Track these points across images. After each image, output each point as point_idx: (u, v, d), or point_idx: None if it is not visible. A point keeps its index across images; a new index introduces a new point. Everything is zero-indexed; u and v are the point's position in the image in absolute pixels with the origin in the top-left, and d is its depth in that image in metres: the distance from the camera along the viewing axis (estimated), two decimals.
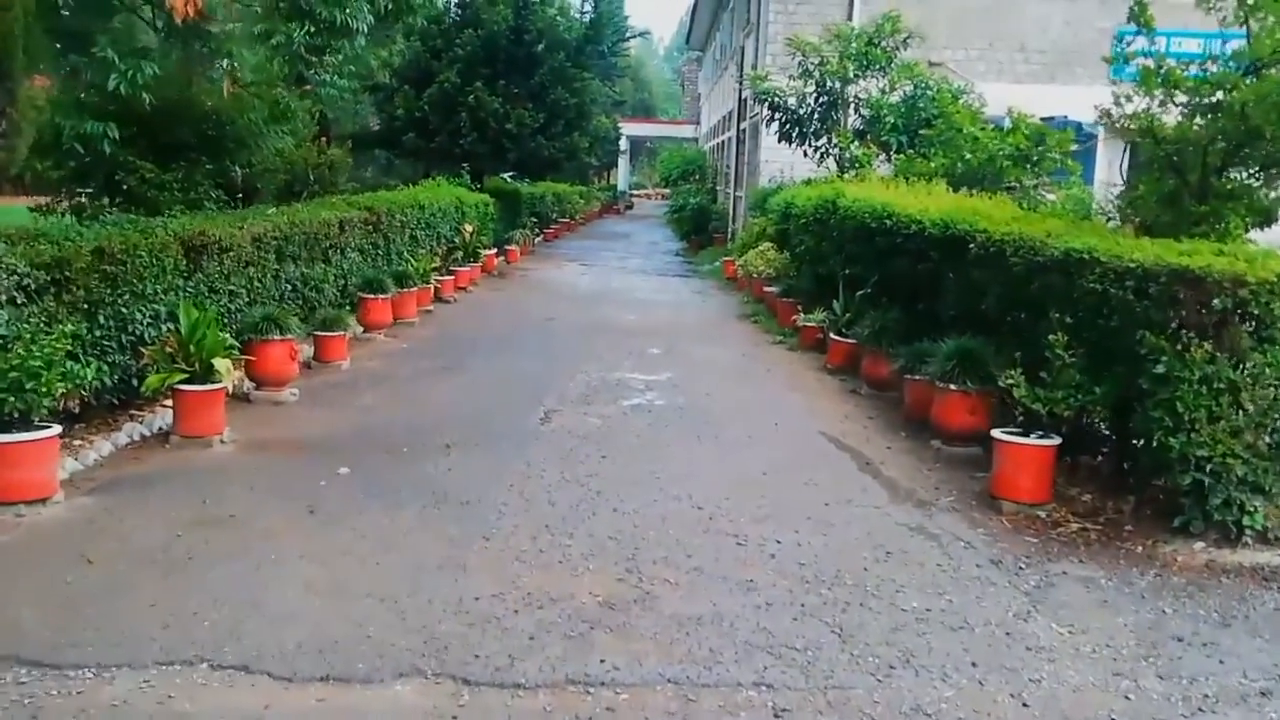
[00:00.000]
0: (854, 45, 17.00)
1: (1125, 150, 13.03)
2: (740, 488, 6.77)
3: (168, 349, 7.28)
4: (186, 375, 7.21)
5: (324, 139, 20.32)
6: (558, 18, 22.92)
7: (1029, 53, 21.40)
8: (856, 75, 16.93)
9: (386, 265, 13.84)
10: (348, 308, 12.37)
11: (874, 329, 9.86)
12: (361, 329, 12.15)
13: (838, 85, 17.14)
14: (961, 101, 15.56)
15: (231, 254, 8.97)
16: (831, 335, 11.15)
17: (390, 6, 11.10)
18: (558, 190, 33.25)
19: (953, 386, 7.70)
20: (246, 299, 9.33)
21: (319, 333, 10.25)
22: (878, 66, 16.87)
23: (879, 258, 10.53)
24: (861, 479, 7.13)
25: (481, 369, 10.70)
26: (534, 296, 17.22)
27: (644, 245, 29.44)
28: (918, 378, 8.57)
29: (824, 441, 8.17)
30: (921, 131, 14.50)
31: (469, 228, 18.07)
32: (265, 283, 9.76)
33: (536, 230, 27.92)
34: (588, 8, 25.81)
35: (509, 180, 27.10)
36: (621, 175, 57.68)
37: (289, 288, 10.41)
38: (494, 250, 20.18)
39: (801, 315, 12.32)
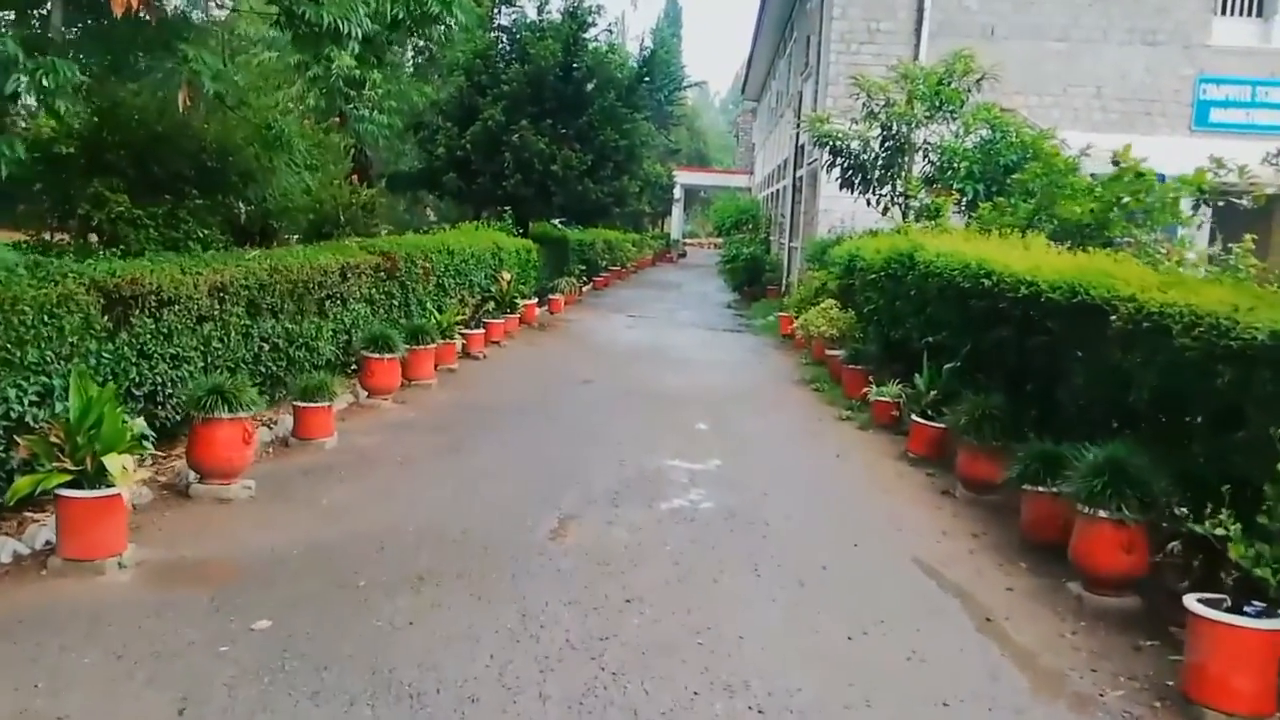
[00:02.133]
0: (923, 85, 14.87)
1: (1210, 207, 10.91)
2: (820, 667, 4.54)
3: (53, 438, 5.25)
4: (71, 476, 5.17)
5: (356, 177, 18.57)
6: (609, 55, 20.99)
7: (1106, 100, 19.09)
8: (927, 118, 14.78)
9: (405, 318, 11.84)
10: (351, 368, 10.38)
11: (972, 416, 7.58)
12: (365, 393, 10.12)
13: (905, 129, 15.00)
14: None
15: (178, 308, 6.97)
16: (913, 416, 8.88)
17: (401, 16, 9.03)
18: (609, 237, 31.34)
19: (1102, 513, 5.41)
20: (201, 364, 7.33)
21: (299, 403, 8.21)
22: (950, 109, 14.72)
23: (972, 324, 8.31)
24: (986, 651, 4.84)
25: (494, 450, 8.57)
26: (573, 352, 15.11)
27: (695, 296, 27.30)
28: (1041, 491, 6.31)
29: (922, 576, 5.90)
30: (1014, 177, 12.22)
31: (506, 276, 16.08)
32: (229, 343, 7.77)
33: (585, 278, 25.97)
34: (644, 50, 23.80)
35: (558, 226, 25.22)
36: (675, 223, 55.76)
37: (265, 348, 8.40)
38: (534, 300, 18.16)
39: (873, 388, 10.06)
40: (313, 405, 8.21)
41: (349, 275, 10.11)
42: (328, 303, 9.70)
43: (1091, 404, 6.52)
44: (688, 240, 59.05)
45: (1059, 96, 18.69)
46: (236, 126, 10.71)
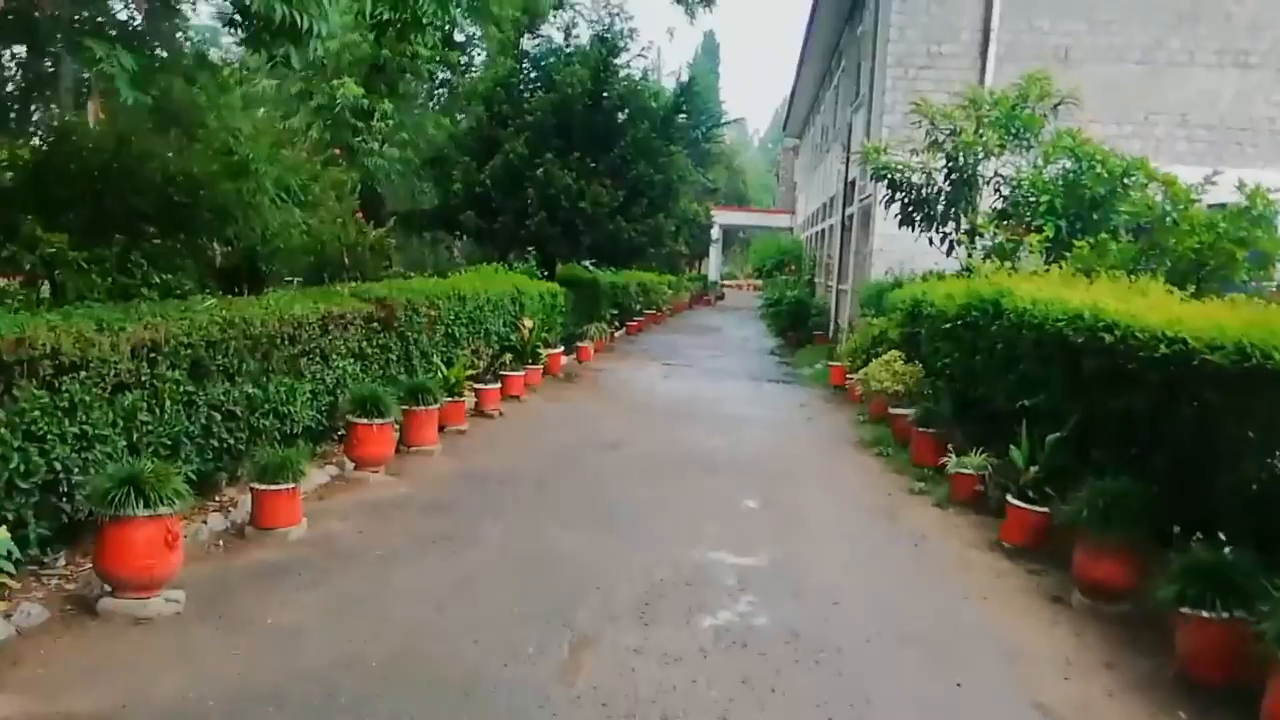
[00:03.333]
0: (995, 111, 13.49)
1: None
2: None
3: None
4: None
5: (363, 215, 17.40)
6: (643, 82, 19.75)
7: (1192, 128, 17.58)
8: (999, 147, 13.36)
9: (407, 373, 10.50)
10: (340, 434, 9.04)
11: (1095, 504, 6.07)
12: (352, 465, 8.76)
13: (972, 159, 13.58)
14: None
15: (85, 374, 5.64)
16: (1008, 497, 7.34)
17: (388, 18, 7.79)
18: (643, 280, 30.06)
19: None
20: (124, 443, 5.99)
21: (257, 486, 6.84)
22: (1026, 137, 13.34)
23: (1085, 388, 6.85)
24: None
25: (497, 538, 7.13)
26: (602, 408, 13.69)
27: (736, 341, 25.85)
28: (1209, 617, 4.80)
29: None
30: (1122, 211, 10.72)
31: (528, 323, 14.74)
32: (164, 415, 6.42)
33: (618, 323, 24.64)
34: (680, 80, 22.55)
35: (589, 268, 23.96)
36: (713, 265, 54.48)
37: (217, 417, 7.04)
38: (560, 349, 16.79)
39: (952, 457, 8.53)
40: (273, 488, 6.84)
41: (332, 327, 8.78)
42: (304, 360, 8.36)
43: (1274, 501, 4.99)
44: (726, 282, 57.76)
45: (1140, 125, 17.22)
46: (205, 155, 9.52)
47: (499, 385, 12.86)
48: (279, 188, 11.67)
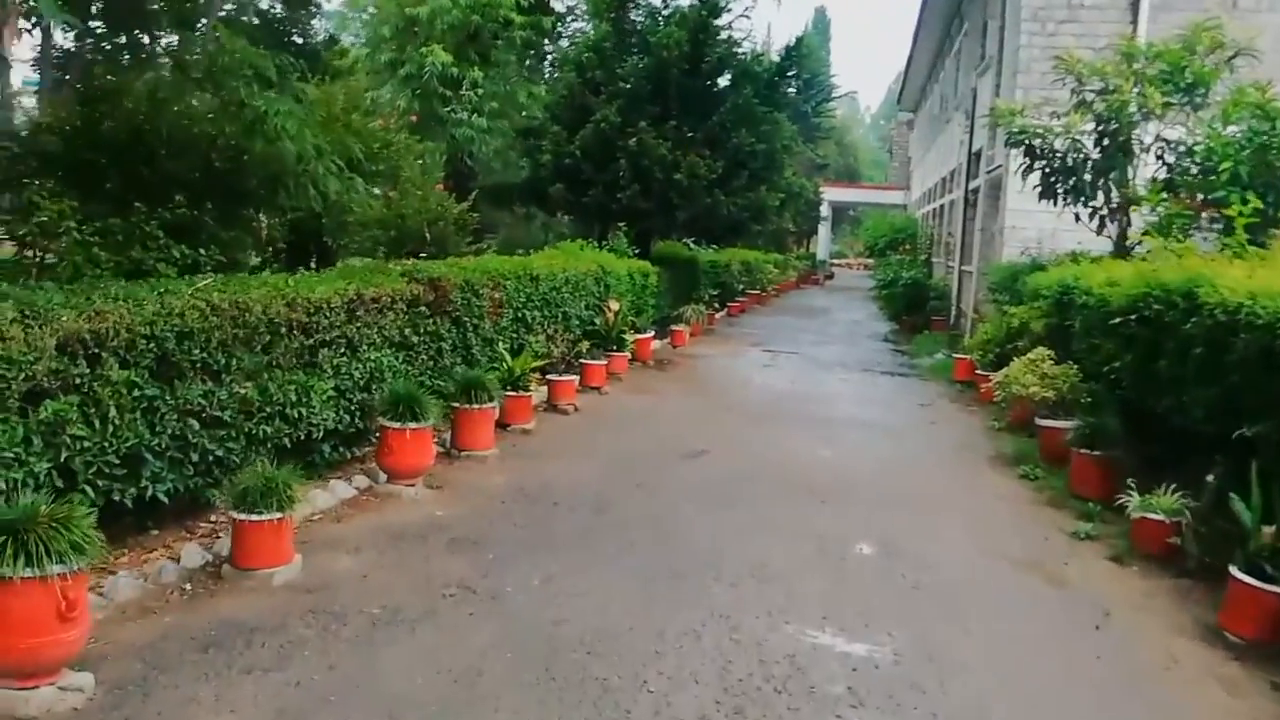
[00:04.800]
0: (1158, 65, 11.16)
1: None
2: None
3: None
4: None
5: (451, 188, 15.91)
6: (744, 42, 17.71)
7: None
8: (1164, 106, 11.01)
9: (464, 364, 8.89)
10: (375, 438, 7.47)
11: None
12: (385, 476, 7.17)
13: (1129, 120, 11.26)
14: None
15: None
16: (1234, 569, 5.22)
17: None
18: (747, 258, 28.06)
19: None
20: (43, 465, 4.44)
21: (236, 515, 5.26)
22: (1197, 95, 10.97)
23: None
24: None
25: (525, 604, 5.35)
26: (690, 403, 11.88)
27: (845, 325, 23.65)
28: None
29: None
30: None
31: (614, 306, 13.02)
32: (111, 427, 4.85)
33: (718, 304, 22.74)
34: (790, 43, 20.37)
35: (690, 246, 22.13)
36: (822, 243, 51.87)
37: (193, 426, 5.47)
38: (652, 333, 15.01)
39: (1135, 497, 6.45)
40: (255, 519, 5.25)
41: (361, 312, 7.16)
42: (324, 351, 6.77)
43: None
44: (835, 261, 55.11)
45: None
46: (229, 114, 8.03)
47: (576, 376, 11.16)
48: (342, 156, 10.20)
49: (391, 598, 5.19)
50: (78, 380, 4.64)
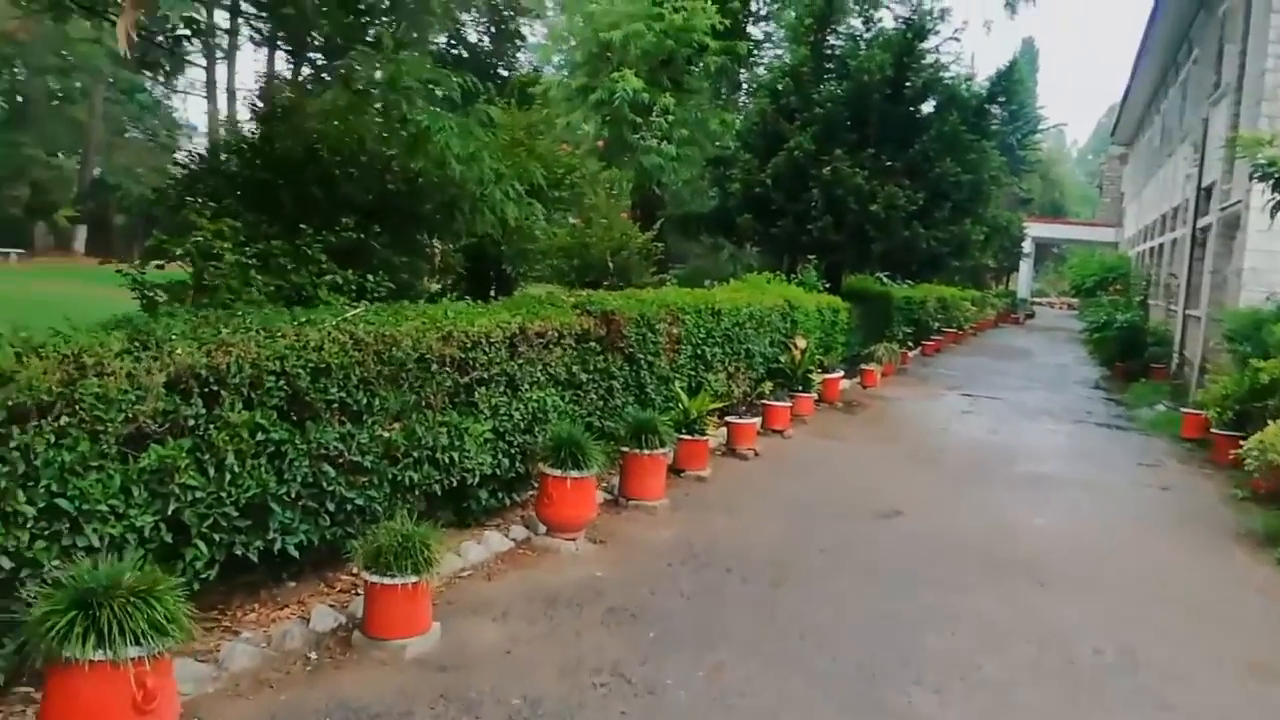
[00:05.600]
0: None
1: None
2: None
3: None
4: None
5: (639, 216, 15.30)
6: (951, 66, 16.32)
7: None
8: None
9: (637, 404, 8.10)
10: (534, 485, 6.76)
11: None
12: (543, 528, 6.42)
13: None
14: None
15: (68, 420, 3.56)
16: None
17: None
18: (943, 294, 26.28)
19: None
20: (148, 518, 3.87)
21: (369, 577, 4.59)
22: None
23: None
24: None
25: (697, 691, 4.47)
26: (882, 452, 10.67)
27: (1050, 370, 21.59)
28: None
29: None
30: None
31: (800, 343, 11.98)
32: (229, 475, 4.26)
33: (912, 343, 21.22)
34: (1000, 69, 18.69)
35: (882, 281, 20.76)
36: (1023, 280, 48.69)
37: (328, 472, 4.86)
38: (840, 373, 13.83)
39: None
40: (388, 582, 4.57)
41: (524, 347, 6.47)
42: (480, 390, 6.10)
43: None
44: (1036, 299, 51.70)
45: None
46: (399, 135, 7.56)
47: (758, 418, 10.19)
48: (523, 181, 9.69)
49: (534, 684, 4.39)
50: (190, 422, 4.08)
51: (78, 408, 3.57)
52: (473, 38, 49.05)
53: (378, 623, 4.65)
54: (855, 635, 5.22)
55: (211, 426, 4.19)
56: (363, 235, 7.86)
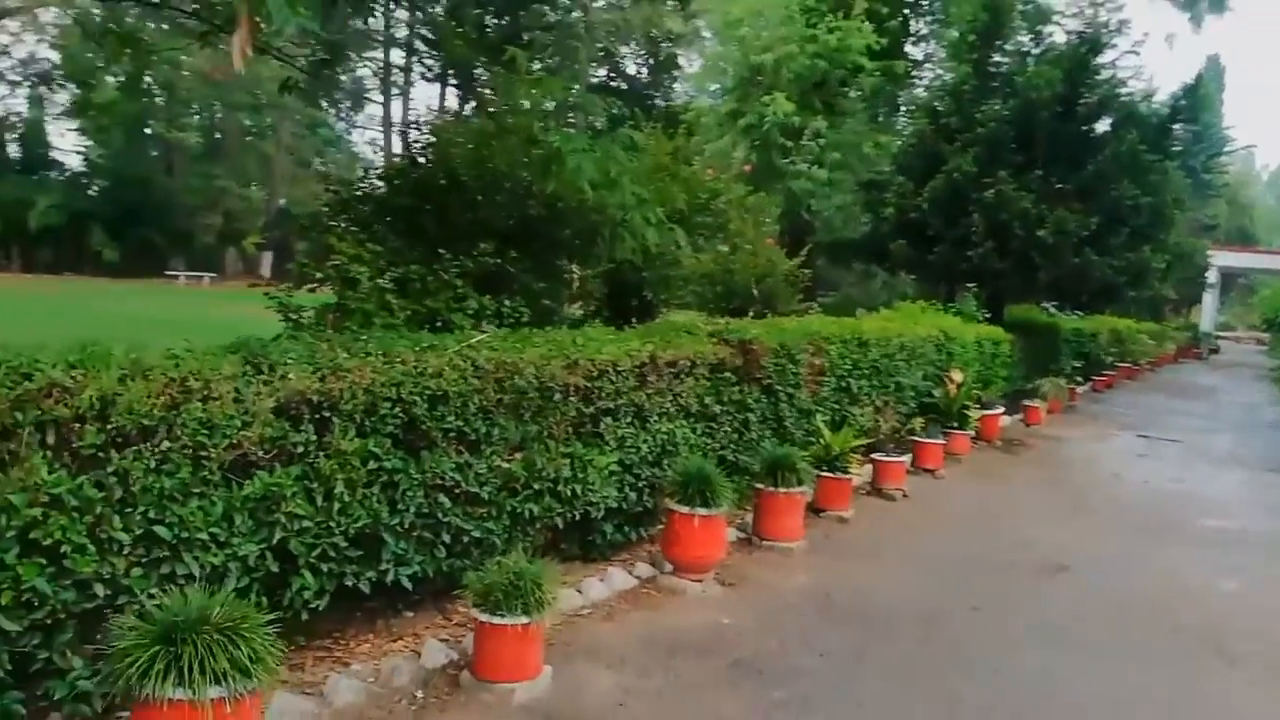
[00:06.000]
0: None
1: None
2: None
3: None
4: None
5: (787, 242, 14.87)
6: (1130, 81, 15.18)
7: None
8: None
9: (775, 438, 7.68)
10: (661, 523, 6.44)
11: None
12: (669, 567, 6.09)
13: None
14: None
15: (169, 443, 3.46)
16: None
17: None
18: (1117, 327, 24.60)
19: None
20: (253, 547, 3.74)
21: (479, 616, 4.36)
22: None
23: None
24: None
25: None
26: (1044, 498, 9.84)
27: (1236, 410, 19.78)
28: None
29: None
30: None
31: (956, 377, 11.26)
32: (338, 505, 4.11)
33: (1082, 378, 19.86)
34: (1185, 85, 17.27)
35: (1050, 311, 19.57)
36: (1206, 313, 45.30)
37: (443, 503, 4.67)
38: (1000, 409, 12.97)
39: None
40: (497, 622, 4.32)
41: (653, 377, 6.18)
42: (606, 420, 5.83)
43: None
44: (1220, 333, 48.04)
45: None
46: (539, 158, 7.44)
47: (907, 456, 9.57)
48: (665, 206, 9.49)
49: None
50: (300, 449, 3.94)
51: (180, 432, 3.47)
52: (631, 70, 49.82)
53: (486, 664, 4.40)
54: (1012, 713, 4.64)
55: (321, 454, 4.05)
56: (500, 260, 7.79)
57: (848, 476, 8.06)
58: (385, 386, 4.32)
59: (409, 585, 4.66)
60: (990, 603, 6.21)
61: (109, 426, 3.27)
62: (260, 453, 3.76)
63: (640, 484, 6.21)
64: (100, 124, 41.66)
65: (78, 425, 3.18)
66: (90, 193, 40.57)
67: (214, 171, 44.88)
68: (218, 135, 49.55)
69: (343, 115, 56.93)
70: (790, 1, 15.82)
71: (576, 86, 9.68)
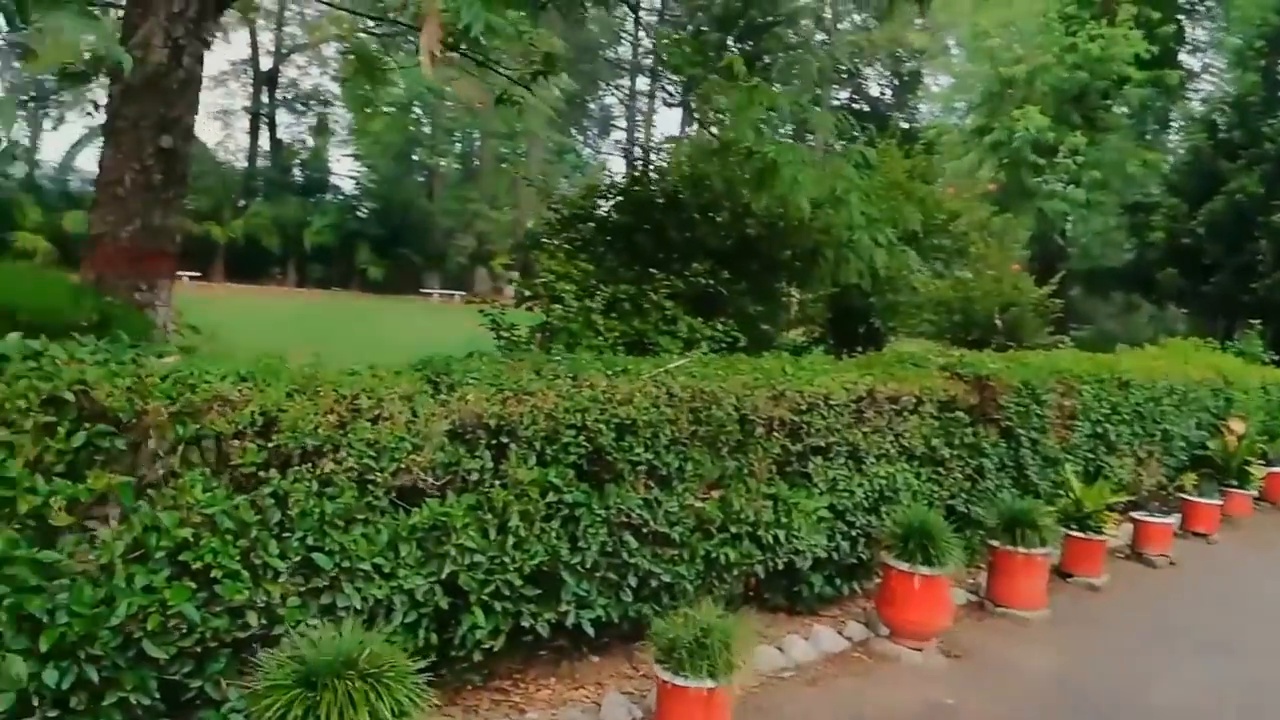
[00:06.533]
0: None
1: None
2: None
3: None
4: None
5: (1029, 268, 13.65)
6: None
7: None
8: None
9: (1014, 488, 6.79)
10: (877, 577, 5.78)
11: None
12: (886, 630, 5.41)
13: None
14: None
15: (333, 464, 3.24)
16: None
17: None
18: None
19: None
20: (426, 580, 3.47)
21: (663, 675, 3.90)
22: None
23: None
24: None
25: None
26: None
27: None
28: None
29: None
30: None
31: (1237, 427, 9.73)
32: (511, 538, 3.78)
33: None
34: None
35: None
36: None
37: (629, 542, 4.25)
38: None
39: None
40: (678, 683, 3.85)
41: (870, 411, 5.52)
42: (815, 459, 5.24)
43: None
44: None
45: None
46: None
47: (1175, 517, 8.29)
48: (897, 226, 8.85)
49: None
50: (474, 476, 3.64)
51: (347, 454, 3.24)
52: (874, 91, 48.49)
53: None
54: None
55: (497, 483, 3.74)
56: (714, 281, 7.40)
57: (1101, 537, 6.99)
58: (569, 413, 3.97)
59: (590, 630, 4.28)
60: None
61: (270, 445, 3.07)
62: (430, 479, 3.48)
63: (854, 533, 5.57)
64: (371, 150, 44.99)
65: (237, 442, 3.00)
66: (360, 214, 43.85)
67: (469, 195, 47.43)
68: (475, 162, 52.42)
69: (589, 142, 58.90)
70: (1047, 8, 14.54)
71: (807, 99, 9.14)
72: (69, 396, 2.81)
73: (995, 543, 6.11)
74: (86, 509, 2.82)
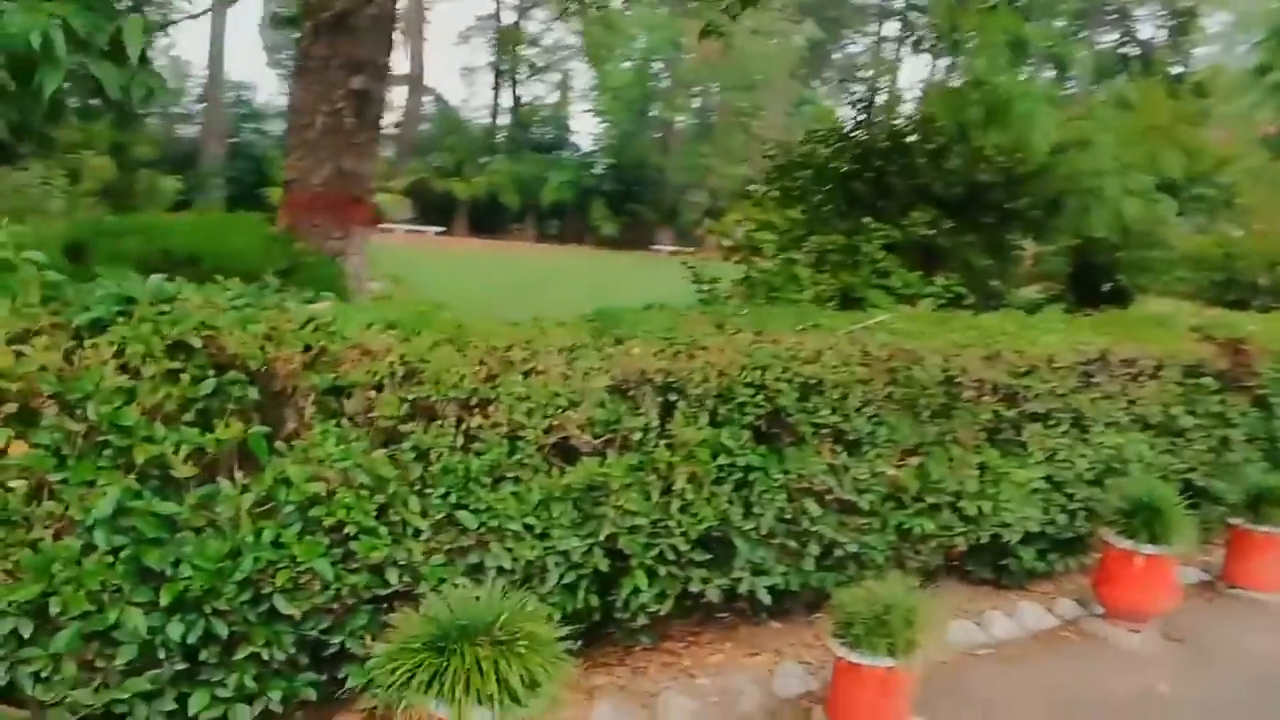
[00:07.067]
0: None
1: None
2: None
3: None
4: None
5: None
6: None
7: None
8: None
9: (1267, 462, 5.80)
10: (1093, 553, 5.10)
11: None
12: (1100, 610, 4.75)
13: None
14: None
15: (483, 419, 3.17)
16: None
17: None
18: None
19: None
20: (588, 544, 3.32)
21: (836, 649, 3.56)
22: None
23: None
24: None
25: None
26: None
27: None
28: None
29: None
30: None
31: None
32: (676, 501, 3.52)
33: None
34: None
35: None
36: None
37: (812, 509, 3.91)
38: None
39: None
40: (854, 660, 3.49)
41: (1100, 375, 4.80)
42: (1031, 426, 4.62)
43: None
44: None
45: None
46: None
47: None
48: (1154, 174, 7.83)
49: None
50: (636, 436, 3.39)
51: (495, 408, 3.07)
52: (1146, 34, 43.53)
53: (839, 706, 3.66)
54: None
55: (662, 443, 3.48)
56: (935, 232, 6.76)
57: None
58: (746, 370, 3.65)
59: (767, 598, 3.96)
60: None
61: (411, 397, 2.94)
62: (588, 436, 3.27)
63: (1073, 506, 4.92)
64: (611, 106, 45.31)
65: (375, 393, 2.88)
66: (596, 171, 44.48)
67: (703, 150, 47.05)
68: (712, 117, 51.79)
69: (831, 94, 56.74)
70: None
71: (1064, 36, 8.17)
72: (195, 342, 2.74)
73: (1235, 521, 5.29)
74: (214, 460, 2.77)
